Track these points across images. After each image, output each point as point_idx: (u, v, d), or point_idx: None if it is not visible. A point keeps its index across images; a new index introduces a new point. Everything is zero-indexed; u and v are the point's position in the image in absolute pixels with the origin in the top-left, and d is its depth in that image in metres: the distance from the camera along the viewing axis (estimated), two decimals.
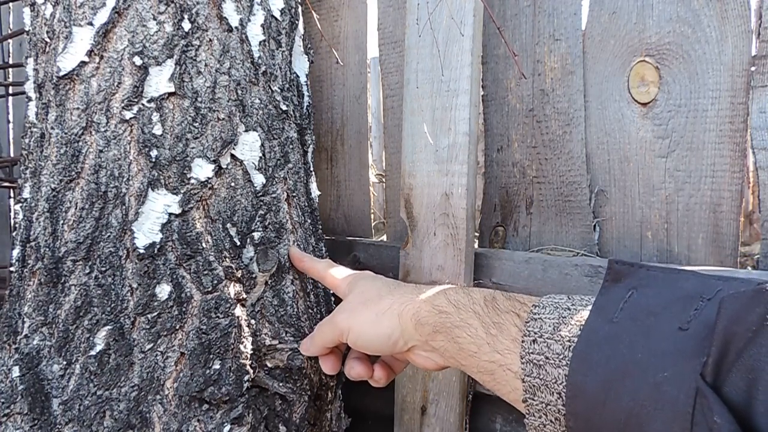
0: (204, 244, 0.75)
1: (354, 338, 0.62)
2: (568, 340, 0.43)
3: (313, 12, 1.13)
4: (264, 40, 0.84)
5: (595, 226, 0.97)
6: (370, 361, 0.70)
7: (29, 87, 0.84)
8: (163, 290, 0.72)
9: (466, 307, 0.53)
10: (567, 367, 0.42)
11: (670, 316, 0.38)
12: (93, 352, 0.71)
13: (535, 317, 0.47)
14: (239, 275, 0.76)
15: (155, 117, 0.75)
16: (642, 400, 0.36)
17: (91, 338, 0.71)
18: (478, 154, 0.97)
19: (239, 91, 0.81)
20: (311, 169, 0.96)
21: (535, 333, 0.46)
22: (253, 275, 0.78)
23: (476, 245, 1.04)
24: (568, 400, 0.41)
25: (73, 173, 0.75)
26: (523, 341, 0.46)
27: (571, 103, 0.97)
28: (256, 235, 0.80)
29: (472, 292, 0.55)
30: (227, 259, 0.76)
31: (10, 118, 1.79)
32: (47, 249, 0.75)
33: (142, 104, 0.75)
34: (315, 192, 0.96)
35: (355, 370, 0.67)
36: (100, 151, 0.75)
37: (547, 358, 0.44)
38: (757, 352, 0.31)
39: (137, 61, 0.75)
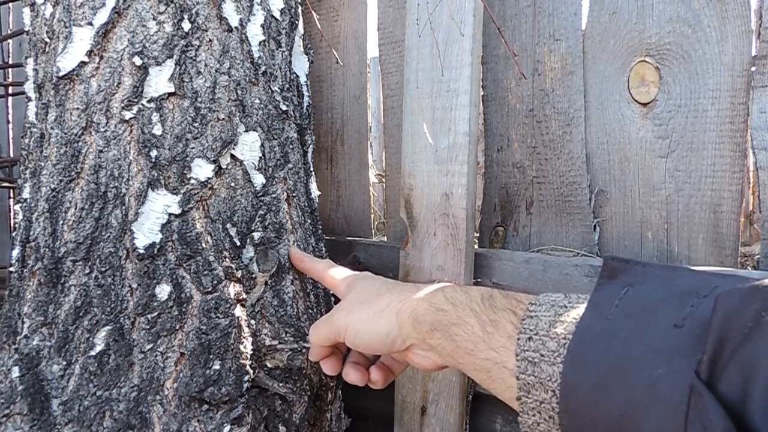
0: (204, 245, 0.75)
1: (352, 337, 0.62)
2: (564, 338, 0.43)
3: (313, 12, 1.13)
4: (264, 40, 0.85)
5: (595, 226, 0.97)
6: (370, 363, 0.70)
7: (29, 87, 0.84)
8: (163, 290, 0.72)
9: (463, 304, 0.53)
10: (562, 365, 0.42)
11: (665, 313, 0.38)
12: (93, 353, 0.71)
13: (531, 315, 0.47)
14: (239, 275, 0.76)
15: (155, 117, 0.75)
16: (636, 398, 0.35)
17: (90, 338, 0.71)
18: (478, 154, 0.97)
19: (239, 91, 0.81)
20: (311, 169, 0.96)
21: (531, 330, 0.46)
22: (253, 275, 0.78)
23: (476, 245, 1.04)
24: (562, 397, 0.41)
25: (73, 173, 0.75)
26: (518, 338, 0.46)
27: (571, 103, 0.97)
28: (256, 235, 0.80)
29: (469, 290, 0.55)
30: (227, 260, 0.76)
31: (10, 118, 1.79)
32: (47, 249, 0.75)
33: (142, 104, 0.75)
34: (315, 192, 0.96)
35: (349, 377, 0.67)
36: (100, 152, 0.75)
37: (542, 355, 0.43)
38: (752, 349, 0.31)
39: (137, 61, 0.75)
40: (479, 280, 0.98)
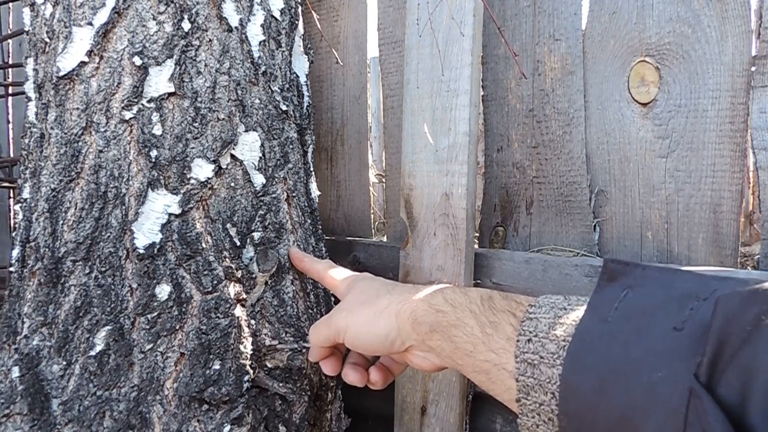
0: (204, 245, 0.75)
1: (351, 338, 0.62)
2: (563, 340, 0.43)
3: (313, 12, 1.13)
4: (264, 40, 0.84)
5: (595, 226, 0.97)
6: (369, 363, 0.70)
7: (29, 87, 0.84)
8: (163, 290, 0.72)
9: (463, 306, 0.53)
10: (561, 367, 0.42)
11: (665, 316, 0.38)
12: (93, 353, 0.71)
13: (530, 316, 0.47)
14: (239, 275, 0.76)
15: (155, 117, 0.75)
16: (635, 400, 0.35)
17: (90, 338, 0.71)
18: (478, 154, 0.97)
19: (239, 91, 0.81)
20: (311, 169, 0.96)
21: (530, 332, 0.46)
22: (253, 275, 0.78)
23: (476, 245, 1.04)
24: (562, 400, 0.41)
25: (73, 173, 0.75)
26: (518, 340, 0.46)
27: (571, 103, 0.97)
28: (256, 235, 0.80)
29: (469, 291, 0.55)
30: (227, 259, 0.76)
31: (10, 118, 1.79)
32: (47, 249, 0.75)
33: (142, 104, 0.75)
34: (315, 192, 0.96)
35: (349, 378, 0.67)
36: (100, 152, 0.75)
37: (541, 357, 0.43)
38: (752, 352, 0.31)
39: (137, 61, 0.75)
40: (479, 280, 0.98)
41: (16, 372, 0.72)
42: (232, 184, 0.79)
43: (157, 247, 0.73)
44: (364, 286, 0.67)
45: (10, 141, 1.82)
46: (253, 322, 0.77)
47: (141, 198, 0.73)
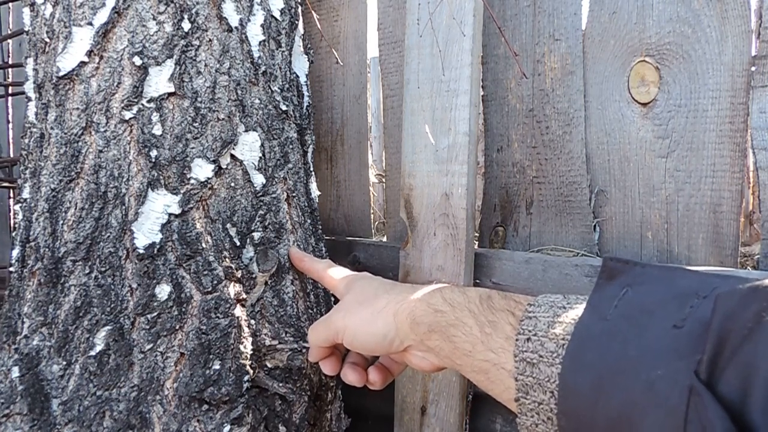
0: (204, 245, 0.75)
1: (350, 338, 0.61)
2: (562, 339, 0.43)
3: (313, 12, 1.13)
4: (264, 40, 0.84)
5: (595, 226, 0.97)
6: (369, 363, 0.70)
7: (29, 87, 0.84)
8: (163, 290, 0.72)
9: (462, 305, 0.53)
10: (560, 366, 0.41)
11: (664, 314, 0.38)
12: (93, 353, 0.71)
13: (529, 315, 0.47)
14: (239, 275, 0.76)
15: (155, 117, 0.75)
16: (634, 399, 0.35)
17: (90, 338, 0.71)
18: (478, 154, 0.97)
19: (239, 91, 0.81)
20: (311, 169, 0.96)
21: (530, 331, 0.45)
22: (253, 275, 0.78)
23: (476, 245, 1.04)
24: (560, 398, 0.41)
25: (73, 173, 0.75)
26: (517, 339, 0.46)
27: (571, 103, 0.97)
28: (256, 235, 0.80)
29: (467, 290, 0.55)
30: (227, 260, 0.76)
31: (10, 118, 1.79)
32: (47, 249, 0.75)
33: (142, 104, 0.75)
34: (315, 192, 0.96)
35: (348, 378, 0.67)
36: (100, 152, 0.75)
37: (540, 356, 0.43)
38: (752, 350, 0.30)
39: (137, 61, 0.75)
40: (479, 280, 0.98)
41: (16, 372, 0.72)
42: (232, 184, 0.79)
43: (157, 247, 0.73)
44: (363, 286, 0.67)
45: (10, 141, 1.82)
46: (253, 322, 0.77)
47: (141, 198, 0.73)
